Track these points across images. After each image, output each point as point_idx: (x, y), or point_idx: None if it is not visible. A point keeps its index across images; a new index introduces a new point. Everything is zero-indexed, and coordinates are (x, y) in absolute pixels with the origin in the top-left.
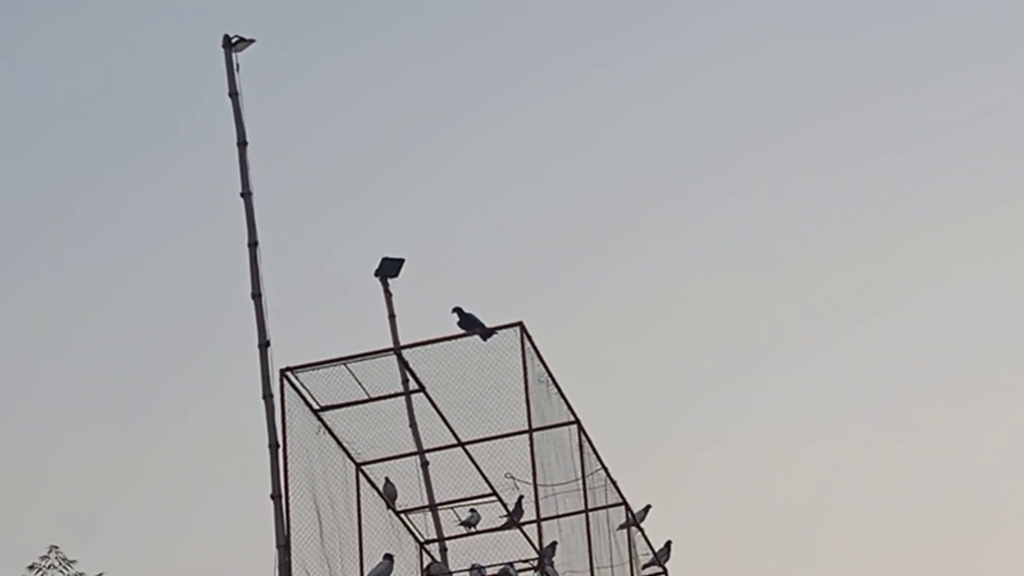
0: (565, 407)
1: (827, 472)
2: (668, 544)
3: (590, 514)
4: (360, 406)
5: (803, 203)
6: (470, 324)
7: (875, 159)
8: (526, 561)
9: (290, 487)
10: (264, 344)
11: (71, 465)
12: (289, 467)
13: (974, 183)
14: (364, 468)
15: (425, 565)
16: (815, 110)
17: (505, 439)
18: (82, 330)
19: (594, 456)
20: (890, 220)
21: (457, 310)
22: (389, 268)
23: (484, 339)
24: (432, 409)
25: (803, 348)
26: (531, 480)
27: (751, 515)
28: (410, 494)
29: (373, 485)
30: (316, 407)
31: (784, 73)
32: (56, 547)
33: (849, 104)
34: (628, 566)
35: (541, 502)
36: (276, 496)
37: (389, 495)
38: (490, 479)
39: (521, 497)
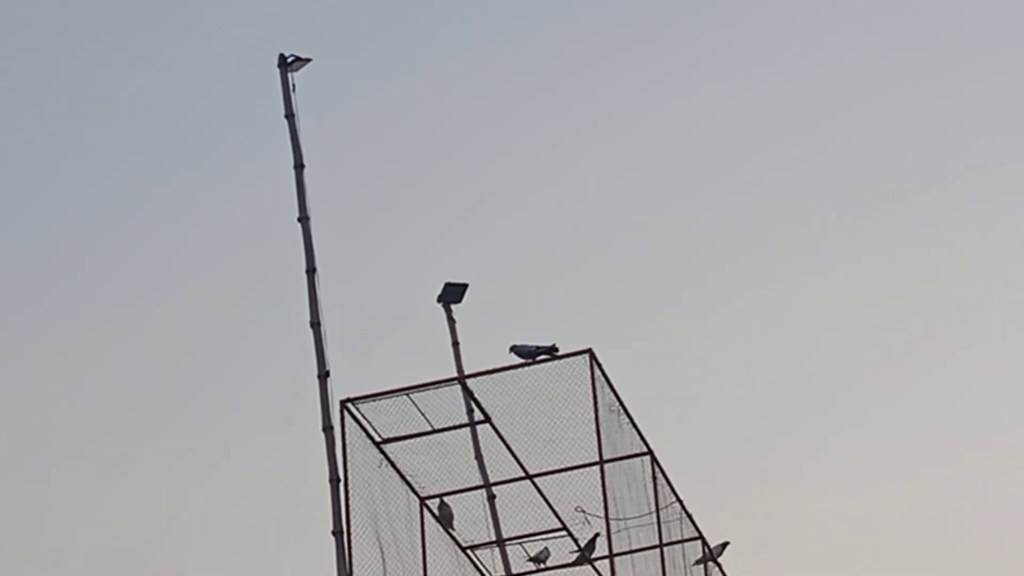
0: (637, 437)
1: (922, 512)
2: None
3: (665, 549)
4: (424, 438)
5: (892, 228)
6: (528, 353)
7: (965, 178)
8: None
9: (352, 523)
10: (324, 374)
11: (122, 500)
12: (351, 502)
13: None
14: (428, 502)
15: None
16: (901, 129)
17: (575, 471)
18: (135, 358)
19: (668, 488)
20: (985, 243)
21: (513, 350)
22: (452, 294)
23: (551, 355)
24: (498, 441)
25: (897, 377)
26: (603, 514)
27: (837, 555)
28: (476, 529)
29: (438, 520)
30: (378, 439)
31: (880, 85)
32: None
33: (936, 123)
34: None
35: (613, 536)
36: (337, 532)
37: (445, 518)
38: (560, 513)
39: (596, 535)
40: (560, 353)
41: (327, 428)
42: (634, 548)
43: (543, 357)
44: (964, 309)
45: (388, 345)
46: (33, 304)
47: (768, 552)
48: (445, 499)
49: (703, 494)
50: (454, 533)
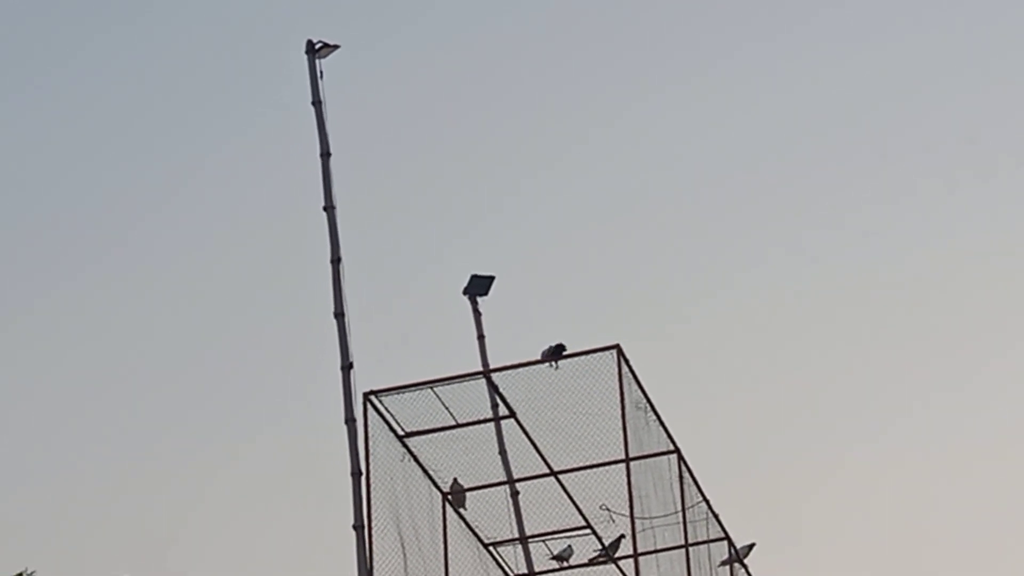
0: (664, 435)
1: (956, 513)
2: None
3: (690, 549)
4: (447, 432)
5: (930, 224)
6: (545, 356)
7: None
8: None
9: (373, 517)
10: (347, 366)
11: (143, 490)
12: (372, 496)
13: None
14: (451, 497)
15: None
16: (946, 110)
17: (600, 468)
18: (156, 348)
19: (695, 487)
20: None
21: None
22: (478, 286)
23: (557, 356)
24: (523, 436)
25: (931, 377)
26: (628, 512)
27: (866, 559)
28: (499, 526)
29: (461, 516)
30: (401, 433)
31: (923, 69)
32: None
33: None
34: None
35: (638, 535)
36: (358, 526)
37: (456, 497)
38: (584, 511)
39: (622, 536)
40: (587, 349)
41: (349, 420)
42: (659, 548)
43: (557, 349)
44: (1006, 307)
45: (412, 337)
46: (53, 293)
47: (795, 555)
48: (458, 479)
49: (730, 494)
50: (466, 515)
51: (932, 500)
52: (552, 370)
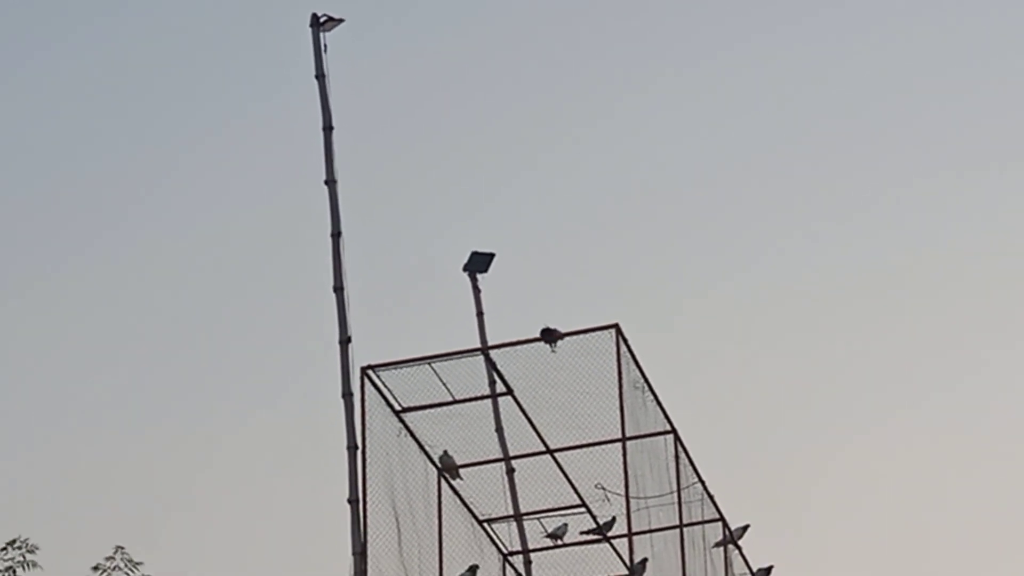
0: (661, 415)
1: (954, 503)
2: (769, 569)
3: (685, 529)
4: (444, 408)
5: (935, 217)
6: (549, 336)
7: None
8: None
9: (368, 492)
10: (345, 340)
11: (139, 463)
12: (368, 470)
13: None
14: (446, 473)
15: None
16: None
17: (596, 447)
18: (153, 320)
19: (691, 468)
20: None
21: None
22: (479, 263)
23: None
24: (520, 414)
25: (931, 367)
26: (623, 492)
27: (859, 545)
28: (494, 503)
29: (455, 492)
30: (398, 408)
31: (923, 63)
32: (122, 547)
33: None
34: None
35: (633, 515)
36: (353, 501)
37: (447, 467)
38: (579, 489)
39: (614, 519)
40: (585, 328)
41: (347, 395)
42: (654, 527)
43: (565, 332)
44: (1010, 299)
45: (411, 313)
46: (52, 267)
47: (789, 538)
48: (448, 451)
49: (726, 476)
50: (461, 491)
51: (930, 490)
52: (550, 350)
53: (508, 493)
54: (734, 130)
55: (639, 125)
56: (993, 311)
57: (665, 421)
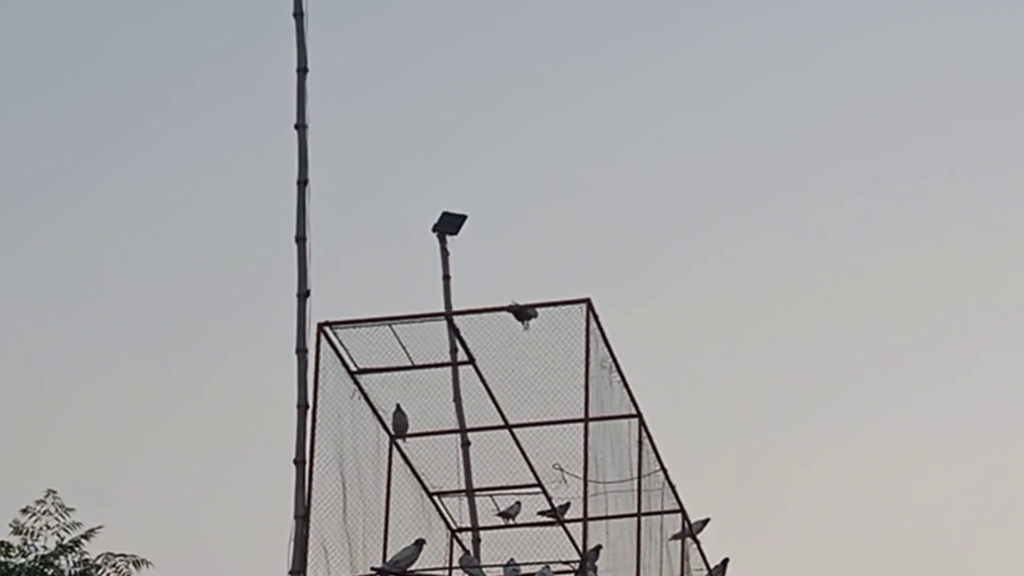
0: (627, 398)
1: (919, 503)
2: (725, 562)
3: (642, 518)
4: (402, 373)
5: (923, 210)
6: (522, 312)
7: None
8: (566, 563)
9: (316, 454)
10: (303, 294)
11: (83, 413)
12: (317, 431)
13: None
14: (399, 441)
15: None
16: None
17: (557, 426)
18: (108, 266)
19: (654, 455)
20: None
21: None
22: (449, 224)
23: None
24: (480, 385)
25: (905, 365)
26: (581, 474)
27: (822, 546)
28: (446, 476)
29: (407, 460)
30: (353, 368)
31: (924, 56)
32: (54, 491)
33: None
34: None
35: (590, 499)
36: (299, 462)
37: (397, 427)
38: (536, 468)
39: (569, 503)
40: (555, 300)
41: (300, 351)
42: (610, 514)
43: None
44: (997, 302)
45: (375, 270)
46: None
47: (749, 535)
48: (401, 406)
49: (690, 467)
50: (412, 461)
51: (898, 491)
52: (523, 328)
53: (462, 467)
54: (722, 110)
55: (624, 100)
56: (976, 308)
57: (631, 404)
